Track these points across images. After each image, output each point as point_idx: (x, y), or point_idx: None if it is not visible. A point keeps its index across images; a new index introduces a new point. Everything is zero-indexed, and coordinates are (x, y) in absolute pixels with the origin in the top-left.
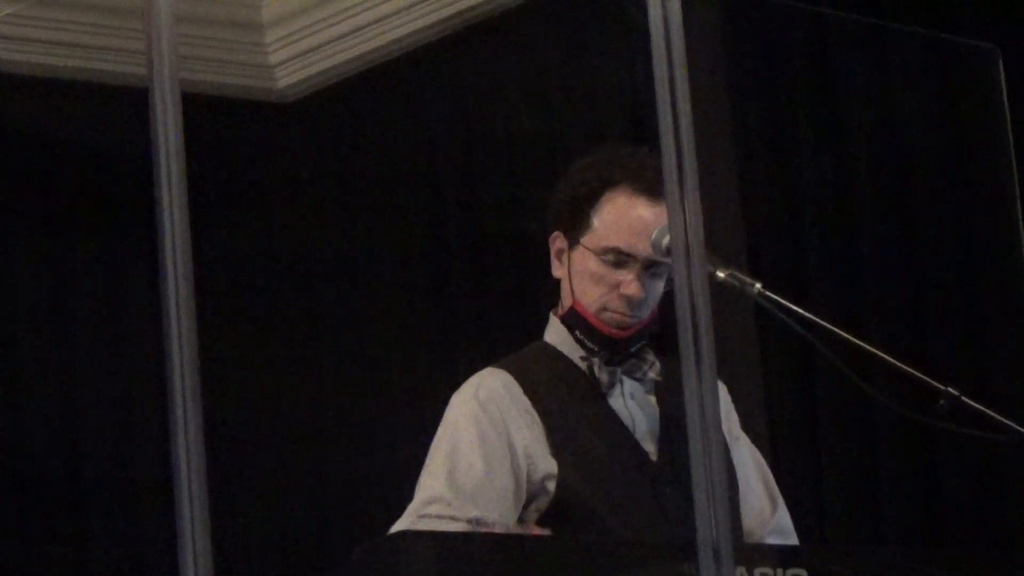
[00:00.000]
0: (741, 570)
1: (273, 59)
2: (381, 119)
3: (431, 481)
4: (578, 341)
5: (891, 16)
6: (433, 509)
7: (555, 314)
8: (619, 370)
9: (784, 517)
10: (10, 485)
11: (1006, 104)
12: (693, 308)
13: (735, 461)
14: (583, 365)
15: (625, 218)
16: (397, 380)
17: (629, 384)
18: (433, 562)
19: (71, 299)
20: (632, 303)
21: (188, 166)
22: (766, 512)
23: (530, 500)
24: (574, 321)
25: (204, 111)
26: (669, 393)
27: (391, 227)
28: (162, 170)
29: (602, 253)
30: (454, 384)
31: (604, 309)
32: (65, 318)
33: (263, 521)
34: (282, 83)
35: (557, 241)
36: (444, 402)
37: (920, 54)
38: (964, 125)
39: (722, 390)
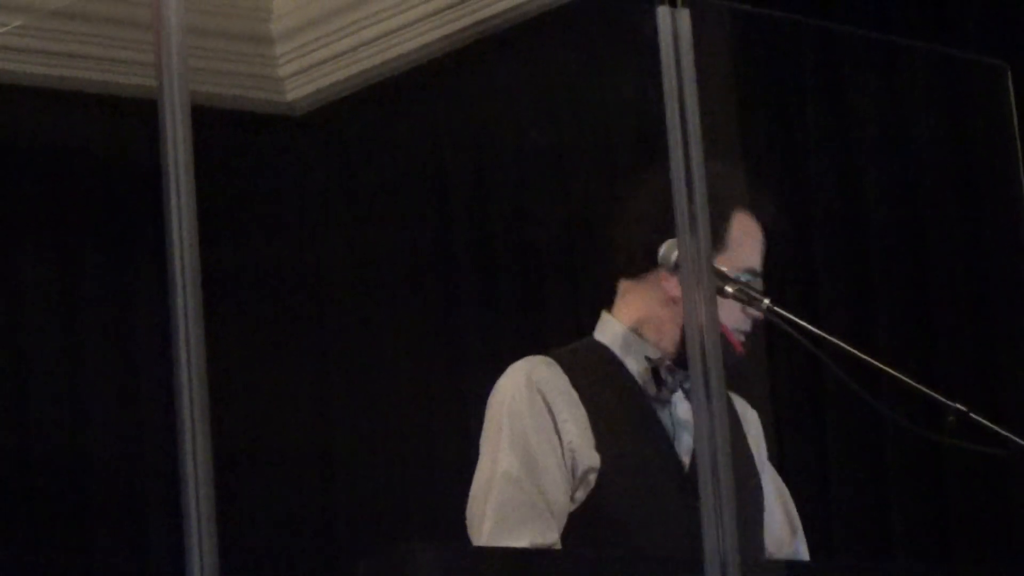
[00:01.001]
0: None
1: (282, 72)
2: (390, 132)
3: (499, 458)
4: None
5: (900, 32)
6: (503, 488)
7: (608, 312)
8: (684, 384)
9: (802, 546)
10: (17, 495)
11: (1015, 120)
12: (700, 323)
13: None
14: (647, 365)
15: (752, 238)
16: (406, 391)
17: (677, 396)
18: (439, 575)
19: (80, 311)
20: (752, 322)
21: (197, 178)
22: (785, 539)
23: (572, 491)
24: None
25: (213, 123)
26: None
27: (400, 240)
28: (171, 182)
29: (741, 273)
30: (463, 396)
31: (736, 329)
32: (74, 330)
33: (270, 534)
34: (291, 96)
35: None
36: (453, 413)
37: (929, 70)
38: (973, 141)
39: (755, 416)
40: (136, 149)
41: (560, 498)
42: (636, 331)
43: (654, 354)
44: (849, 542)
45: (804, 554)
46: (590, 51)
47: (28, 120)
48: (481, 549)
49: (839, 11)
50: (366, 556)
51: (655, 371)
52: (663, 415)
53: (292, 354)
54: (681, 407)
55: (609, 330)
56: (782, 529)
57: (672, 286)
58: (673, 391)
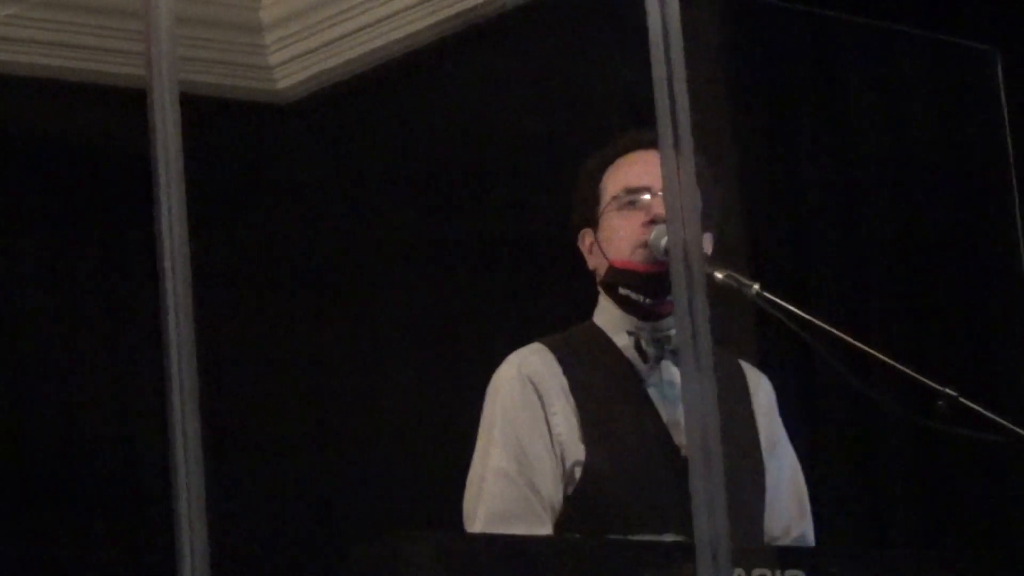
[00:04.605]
0: (739, 571)
1: (272, 60)
2: (382, 120)
3: (491, 453)
4: (623, 302)
5: (890, 17)
6: (495, 484)
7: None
8: (666, 346)
9: (808, 531)
10: (11, 488)
11: (1004, 106)
12: (691, 309)
13: (770, 466)
14: (630, 340)
15: (625, 165)
16: (400, 381)
17: (670, 371)
18: (431, 562)
19: (70, 301)
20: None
21: (187, 167)
22: (793, 522)
23: (564, 483)
24: (614, 279)
25: (203, 112)
26: None
27: (392, 227)
28: (161, 171)
29: (614, 200)
30: (458, 386)
31: (636, 247)
32: (64, 320)
33: (262, 520)
34: (282, 84)
35: (586, 237)
36: (447, 400)
37: (919, 55)
38: (963, 126)
39: (768, 388)
40: (126, 138)
41: (552, 491)
42: (617, 303)
43: (634, 326)
44: (838, 528)
45: (810, 538)
46: (581, 38)
47: (17, 109)
48: (473, 535)
49: None
50: (358, 542)
51: (637, 345)
52: (655, 395)
53: (284, 341)
54: (669, 373)
55: (602, 309)
56: (790, 514)
57: (590, 260)
58: (659, 360)
